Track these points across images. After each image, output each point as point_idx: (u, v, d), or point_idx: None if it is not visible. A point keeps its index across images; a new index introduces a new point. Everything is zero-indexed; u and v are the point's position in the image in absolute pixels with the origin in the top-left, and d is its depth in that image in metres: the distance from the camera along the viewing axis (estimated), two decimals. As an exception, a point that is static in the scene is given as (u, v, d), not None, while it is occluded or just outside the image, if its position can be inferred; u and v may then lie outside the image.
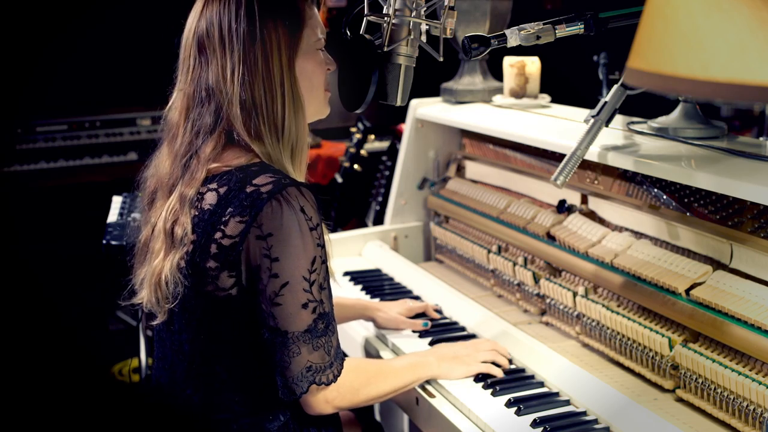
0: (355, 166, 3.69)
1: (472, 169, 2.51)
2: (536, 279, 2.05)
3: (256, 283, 1.46)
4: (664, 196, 1.75)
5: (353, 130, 3.76)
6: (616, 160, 1.74)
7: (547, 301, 2.01)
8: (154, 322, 1.60)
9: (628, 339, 1.73)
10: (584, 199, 2.01)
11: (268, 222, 1.43)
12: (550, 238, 2.03)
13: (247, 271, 1.46)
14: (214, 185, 1.49)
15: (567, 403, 1.63)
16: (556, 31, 1.67)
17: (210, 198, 1.49)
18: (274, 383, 1.50)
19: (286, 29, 1.55)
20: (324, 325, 1.48)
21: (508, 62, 2.38)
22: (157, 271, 1.52)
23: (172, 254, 1.50)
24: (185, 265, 1.49)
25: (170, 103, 1.61)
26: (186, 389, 1.56)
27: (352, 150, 3.72)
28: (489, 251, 2.24)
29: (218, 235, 1.46)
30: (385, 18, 1.65)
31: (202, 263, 1.47)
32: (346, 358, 1.56)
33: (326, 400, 1.51)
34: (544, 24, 1.67)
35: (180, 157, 1.55)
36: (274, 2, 1.55)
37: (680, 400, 1.60)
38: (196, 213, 1.49)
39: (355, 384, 1.56)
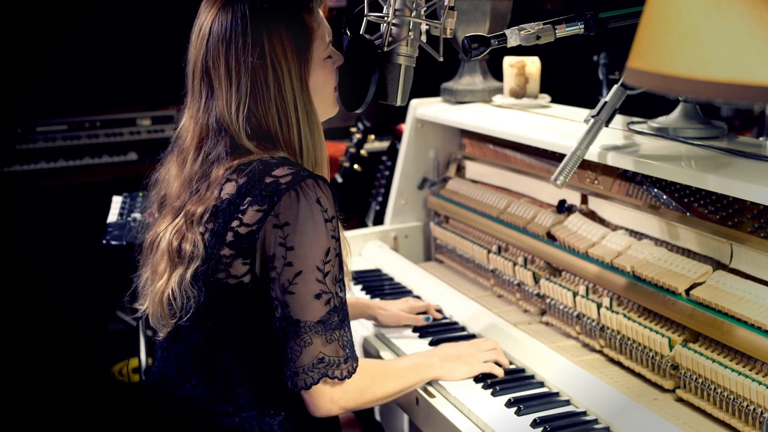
0: (355, 166, 3.69)
1: (472, 169, 2.51)
2: (536, 279, 2.05)
3: (269, 272, 1.47)
4: (664, 196, 1.75)
5: (353, 130, 3.76)
6: (616, 160, 1.74)
7: (547, 301, 2.01)
8: (158, 337, 1.61)
9: (628, 339, 1.73)
10: (584, 199, 2.01)
11: (286, 211, 1.45)
12: (550, 238, 2.03)
13: (262, 259, 1.48)
14: (234, 176, 1.51)
15: (567, 403, 1.63)
16: (556, 31, 1.67)
17: (229, 188, 1.51)
18: (279, 377, 1.50)
19: (295, 51, 1.54)
20: (339, 318, 1.48)
21: (508, 62, 2.38)
22: (160, 290, 1.54)
23: (180, 270, 1.51)
24: (200, 275, 1.50)
25: (182, 123, 1.61)
26: (190, 379, 1.57)
27: (352, 150, 3.72)
28: (489, 251, 2.24)
29: (235, 223, 1.48)
30: (385, 18, 1.65)
31: (217, 250, 1.48)
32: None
33: (332, 399, 1.51)
34: (544, 24, 1.67)
35: (190, 182, 1.56)
36: (281, 24, 1.53)
37: (680, 400, 1.60)
38: (215, 203, 1.51)
39: (361, 384, 1.55)
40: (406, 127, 2.62)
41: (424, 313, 2.07)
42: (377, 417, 2.51)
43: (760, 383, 1.42)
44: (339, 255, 1.50)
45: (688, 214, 1.70)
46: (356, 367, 1.51)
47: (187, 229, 1.52)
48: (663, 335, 1.63)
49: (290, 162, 1.52)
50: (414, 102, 2.58)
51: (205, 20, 1.55)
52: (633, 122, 1.92)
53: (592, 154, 1.77)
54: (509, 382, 1.71)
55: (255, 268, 1.48)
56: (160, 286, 1.54)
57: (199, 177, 1.55)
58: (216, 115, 1.54)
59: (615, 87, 1.73)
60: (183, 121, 1.61)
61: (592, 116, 1.72)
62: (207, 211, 1.51)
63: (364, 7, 1.70)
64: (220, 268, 1.49)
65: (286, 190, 1.45)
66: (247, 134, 1.52)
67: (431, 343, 1.92)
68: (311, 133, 1.58)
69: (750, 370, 1.47)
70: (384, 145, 3.94)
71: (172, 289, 1.51)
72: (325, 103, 1.64)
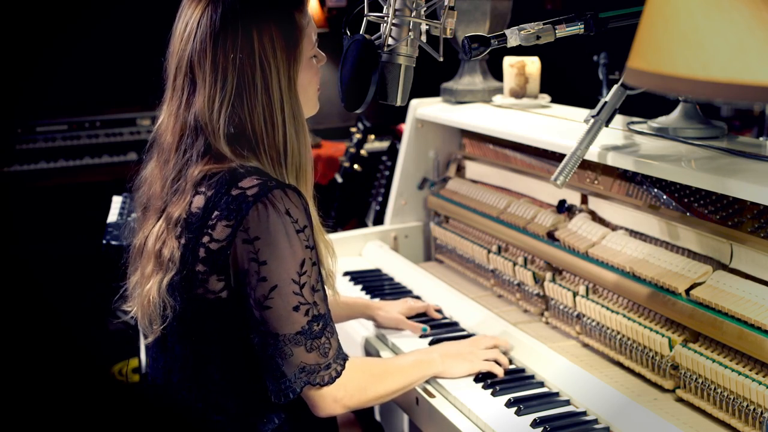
0: (355, 166, 3.69)
1: (472, 169, 2.51)
2: (536, 279, 2.05)
3: (245, 287, 1.45)
4: (664, 196, 1.75)
5: (353, 130, 3.76)
6: (616, 160, 1.74)
7: (547, 301, 2.01)
8: (146, 341, 1.60)
9: (628, 339, 1.73)
10: (584, 199, 2.01)
11: (255, 226, 1.42)
12: (550, 238, 2.03)
13: (236, 274, 1.45)
14: (202, 188, 1.48)
15: (567, 403, 1.63)
16: (556, 31, 1.67)
17: (197, 201, 1.48)
18: (266, 386, 1.50)
19: (285, 50, 1.51)
20: (320, 327, 1.46)
21: (508, 62, 2.38)
22: (147, 294, 1.52)
23: (159, 276, 1.49)
24: (176, 285, 1.48)
25: (161, 121, 1.58)
26: (181, 390, 1.56)
27: (352, 150, 3.72)
28: (489, 251, 2.24)
29: (206, 239, 1.45)
30: (385, 18, 1.65)
31: (192, 266, 1.46)
32: (348, 358, 1.54)
33: (335, 399, 1.50)
34: (544, 24, 1.67)
35: (170, 182, 1.53)
36: (272, 21, 1.50)
37: (680, 400, 1.60)
38: (185, 216, 1.48)
39: (362, 383, 1.55)
40: (406, 127, 2.62)
41: (424, 314, 2.07)
42: (377, 417, 2.51)
43: (760, 383, 1.42)
44: (315, 263, 1.47)
45: (688, 214, 1.70)
46: (341, 370, 1.49)
47: (167, 234, 1.50)
48: (663, 335, 1.63)
49: (259, 172, 1.48)
50: (414, 102, 2.58)
51: (193, 15, 1.51)
52: (633, 122, 1.92)
53: (592, 154, 1.77)
54: (509, 382, 1.71)
55: (231, 282, 1.46)
56: (147, 289, 1.52)
57: (176, 177, 1.52)
58: (195, 112, 1.50)
59: (615, 87, 1.73)
60: (162, 119, 1.58)
61: (592, 116, 1.72)
62: (181, 219, 1.48)
63: (364, 7, 1.70)
64: (197, 284, 1.47)
65: (254, 203, 1.42)
66: (226, 136, 1.49)
67: (431, 343, 1.92)
68: (297, 135, 1.54)
69: (750, 370, 1.47)
70: (384, 145, 3.95)
71: (153, 296, 1.49)
72: (308, 103, 1.61)
